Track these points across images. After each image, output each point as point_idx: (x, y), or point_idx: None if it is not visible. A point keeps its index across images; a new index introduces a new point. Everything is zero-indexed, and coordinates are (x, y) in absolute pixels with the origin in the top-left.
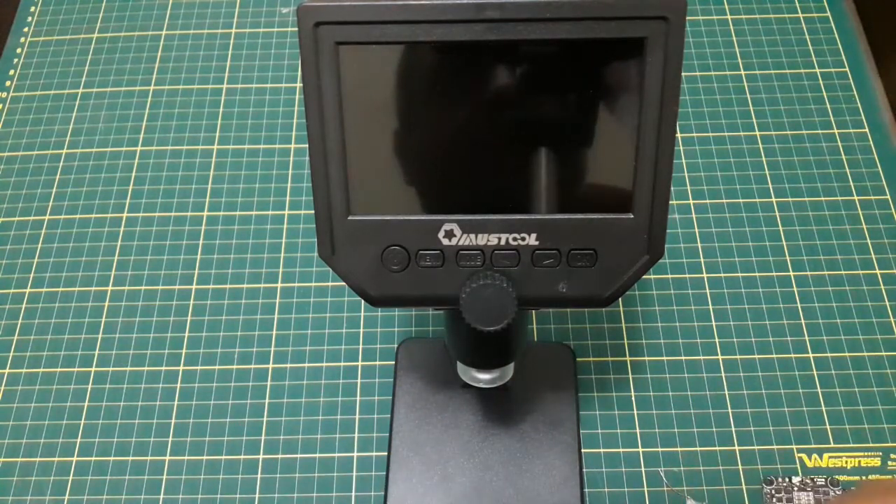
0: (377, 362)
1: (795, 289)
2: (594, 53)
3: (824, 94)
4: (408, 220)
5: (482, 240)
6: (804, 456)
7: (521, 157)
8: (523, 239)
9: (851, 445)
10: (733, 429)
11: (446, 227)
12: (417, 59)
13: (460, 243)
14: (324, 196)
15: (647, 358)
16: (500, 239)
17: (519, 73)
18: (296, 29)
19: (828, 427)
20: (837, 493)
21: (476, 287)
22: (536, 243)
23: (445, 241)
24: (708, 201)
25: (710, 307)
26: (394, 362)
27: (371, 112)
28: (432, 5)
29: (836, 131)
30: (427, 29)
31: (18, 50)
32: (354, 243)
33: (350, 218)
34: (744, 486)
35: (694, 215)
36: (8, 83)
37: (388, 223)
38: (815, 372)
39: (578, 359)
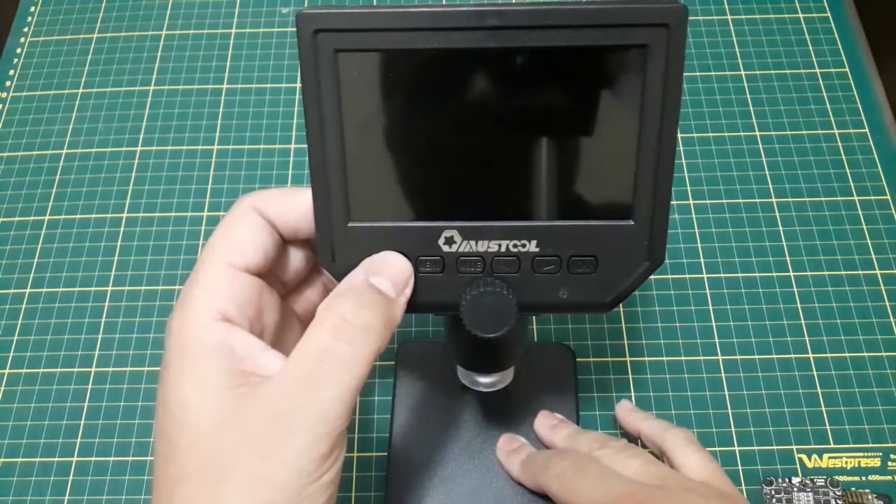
0: (377, 362)
1: (795, 289)
2: (595, 60)
3: (824, 94)
4: (408, 226)
5: (482, 246)
6: (804, 456)
7: (522, 163)
8: (524, 245)
9: (851, 446)
10: (733, 429)
11: (446, 233)
12: (417, 67)
13: (460, 250)
14: (324, 202)
15: (647, 358)
16: (500, 245)
17: (519, 80)
18: (296, 29)
19: (828, 427)
20: (837, 493)
21: (476, 294)
22: (537, 250)
23: (446, 248)
24: (708, 201)
25: (710, 307)
26: (394, 362)
27: (371, 119)
28: (432, 13)
29: (836, 131)
30: (427, 36)
31: (18, 50)
32: (354, 250)
33: (350, 224)
34: (743, 487)
35: (694, 215)
36: (8, 83)
37: (388, 230)
38: (815, 372)
39: (578, 359)
